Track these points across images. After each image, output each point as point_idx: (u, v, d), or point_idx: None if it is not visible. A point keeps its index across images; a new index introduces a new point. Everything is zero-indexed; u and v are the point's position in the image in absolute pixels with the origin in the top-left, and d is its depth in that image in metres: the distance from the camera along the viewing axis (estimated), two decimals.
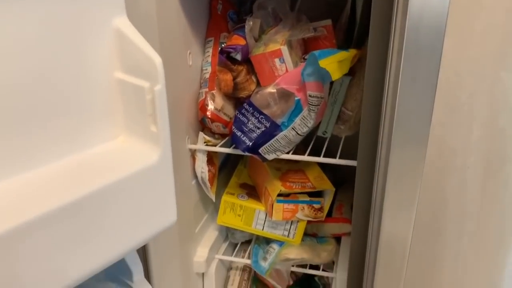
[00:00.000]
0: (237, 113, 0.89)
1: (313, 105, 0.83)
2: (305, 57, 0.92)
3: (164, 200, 0.51)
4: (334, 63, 0.78)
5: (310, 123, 0.85)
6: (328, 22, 0.93)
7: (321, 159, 0.89)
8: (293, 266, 1.06)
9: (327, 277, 1.15)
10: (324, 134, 0.96)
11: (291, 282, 1.16)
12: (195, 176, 0.99)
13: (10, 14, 0.40)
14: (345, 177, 1.13)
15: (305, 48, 0.95)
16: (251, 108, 0.87)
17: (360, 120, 0.89)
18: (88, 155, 0.48)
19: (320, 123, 0.94)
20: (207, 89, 0.92)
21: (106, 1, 0.46)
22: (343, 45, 0.93)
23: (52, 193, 0.41)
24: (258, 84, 0.91)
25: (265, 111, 0.88)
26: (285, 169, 1.03)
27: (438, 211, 0.68)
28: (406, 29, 0.60)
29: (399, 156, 0.69)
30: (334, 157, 0.90)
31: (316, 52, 0.77)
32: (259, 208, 1.02)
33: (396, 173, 0.70)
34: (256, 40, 0.90)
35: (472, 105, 0.62)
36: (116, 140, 0.51)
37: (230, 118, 0.94)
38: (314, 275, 1.16)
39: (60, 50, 0.45)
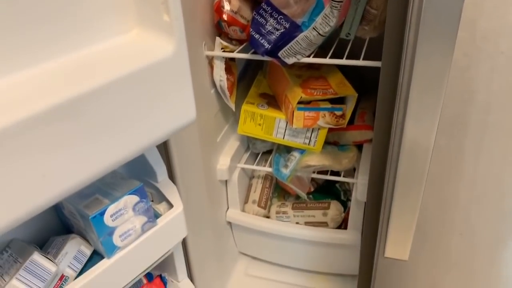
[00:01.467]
0: (255, 14, 0.84)
1: (336, 1, 0.77)
2: None
3: (181, 95, 0.50)
4: None
5: (333, 22, 0.80)
6: None
7: (344, 61, 0.85)
8: (314, 172, 1.08)
9: (348, 183, 1.16)
10: (347, 36, 0.91)
11: (312, 189, 1.19)
12: (214, 85, 0.98)
13: None
14: (368, 85, 1.10)
15: None
16: (269, 8, 0.82)
17: (385, 19, 0.83)
18: (100, 49, 0.47)
19: (343, 24, 0.89)
20: None
21: None
22: None
23: (62, 86, 0.40)
24: None
25: (284, 11, 0.82)
26: (306, 76, 1.00)
27: (464, 107, 0.65)
28: None
29: (425, 58, 0.65)
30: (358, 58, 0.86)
31: None
32: (279, 117, 1.01)
33: (421, 74, 0.67)
34: None
35: None
36: (130, 34, 0.49)
37: (248, 21, 0.89)
38: (335, 182, 1.18)
39: None
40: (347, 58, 0.87)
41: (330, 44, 0.92)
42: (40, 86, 0.40)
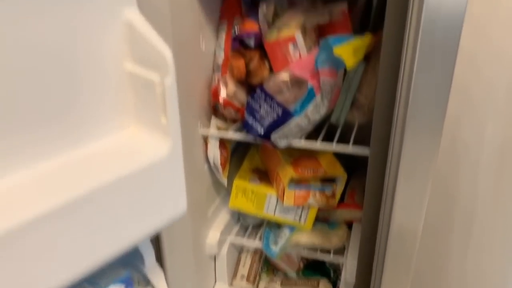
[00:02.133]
0: (249, 99, 0.88)
1: (326, 92, 0.82)
2: (319, 41, 0.91)
3: (173, 191, 0.52)
4: (348, 50, 0.76)
5: (323, 110, 0.84)
6: (344, 5, 0.91)
7: (333, 147, 0.89)
8: (303, 249, 1.07)
9: (337, 262, 1.16)
10: (337, 121, 0.95)
11: (302, 266, 1.18)
12: (207, 161, 1.00)
13: (26, 9, 0.40)
14: (358, 161, 1.13)
15: (320, 32, 0.93)
16: (263, 94, 0.87)
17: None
18: (98, 147, 0.49)
19: (333, 109, 0.93)
20: (219, 75, 0.91)
21: None
22: (358, 30, 0.91)
23: (61, 187, 0.42)
24: (271, 70, 0.90)
25: (277, 98, 0.87)
26: (297, 154, 1.03)
27: (449, 204, 0.67)
28: (422, 17, 0.58)
29: (412, 147, 0.68)
30: (347, 143, 0.89)
31: (330, 39, 0.76)
32: (270, 193, 1.03)
33: (408, 164, 0.70)
34: (270, 25, 0.89)
35: (488, 100, 0.60)
36: (126, 131, 0.52)
37: (242, 104, 0.93)
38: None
39: (70, 41, 0.45)
40: (338, 141, 0.90)
41: (322, 126, 0.96)
42: (37, 189, 0.42)
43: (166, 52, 0.46)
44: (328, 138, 0.92)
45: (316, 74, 0.81)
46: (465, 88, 0.57)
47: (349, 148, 0.87)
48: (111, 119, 0.50)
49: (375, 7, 0.89)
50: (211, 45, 0.94)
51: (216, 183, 1.07)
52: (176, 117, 0.49)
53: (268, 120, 0.87)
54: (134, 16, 0.47)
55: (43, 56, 0.43)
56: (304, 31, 0.85)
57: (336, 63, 0.79)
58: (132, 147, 0.50)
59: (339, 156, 1.02)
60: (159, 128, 0.50)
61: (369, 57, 0.88)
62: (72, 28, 0.44)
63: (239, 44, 0.85)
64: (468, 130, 0.57)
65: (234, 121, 0.99)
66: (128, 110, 0.51)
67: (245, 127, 0.89)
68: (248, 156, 1.14)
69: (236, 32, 0.91)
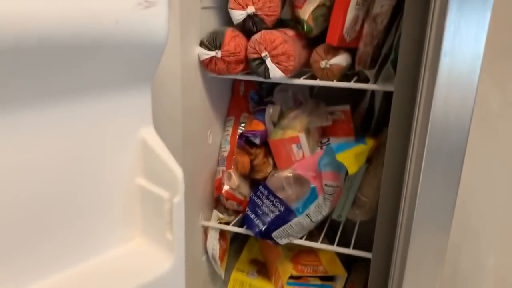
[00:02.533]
0: (252, 195, 0.89)
1: (328, 194, 0.83)
2: (322, 141, 0.94)
3: None
4: (351, 156, 0.79)
5: (325, 211, 0.85)
6: (347, 107, 0.95)
7: (334, 248, 0.88)
8: None
9: None
10: (338, 218, 0.96)
11: None
12: (206, 252, 0.99)
13: (49, 129, 0.42)
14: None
15: (323, 132, 0.96)
16: (266, 191, 0.88)
17: (376, 206, 0.88)
18: (102, 260, 0.49)
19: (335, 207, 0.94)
20: (224, 168, 0.93)
21: (135, 113, 0.49)
22: (360, 131, 0.94)
23: None
24: (275, 166, 0.92)
25: (279, 194, 0.88)
26: (297, 249, 1.02)
27: None
28: (428, 134, 0.59)
29: (416, 259, 0.68)
30: (349, 241, 0.89)
31: (334, 146, 0.79)
32: None
33: (412, 274, 0.69)
34: (275, 124, 0.92)
35: (488, 229, 0.61)
36: (132, 243, 0.52)
37: (245, 197, 0.94)
38: None
39: (87, 157, 0.47)
40: (339, 237, 0.90)
41: (323, 222, 0.96)
42: None
43: (177, 171, 0.48)
44: (330, 232, 0.91)
45: (318, 175, 0.83)
46: (466, 216, 0.58)
47: (350, 251, 0.86)
48: (118, 231, 0.51)
49: (378, 111, 0.93)
50: (218, 138, 0.97)
51: (213, 273, 1.05)
52: (182, 234, 0.50)
53: (269, 218, 0.87)
54: (149, 135, 0.50)
55: (58, 171, 0.45)
56: (307, 132, 0.89)
57: (338, 167, 0.81)
58: (136, 261, 0.50)
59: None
60: (164, 243, 0.50)
61: (371, 159, 0.91)
62: (90, 144, 0.47)
63: (244, 142, 0.88)
64: (468, 260, 0.57)
65: (236, 212, 0.99)
66: (135, 223, 0.52)
67: (246, 222, 0.90)
68: (247, 246, 1.13)
69: (243, 129, 0.94)
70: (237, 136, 0.94)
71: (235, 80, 1.00)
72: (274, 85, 0.98)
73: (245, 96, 1.00)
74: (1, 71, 0.35)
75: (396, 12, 0.78)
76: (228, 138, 0.96)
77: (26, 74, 0.37)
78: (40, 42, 0.34)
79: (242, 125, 0.96)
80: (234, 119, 0.98)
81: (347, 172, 0.89)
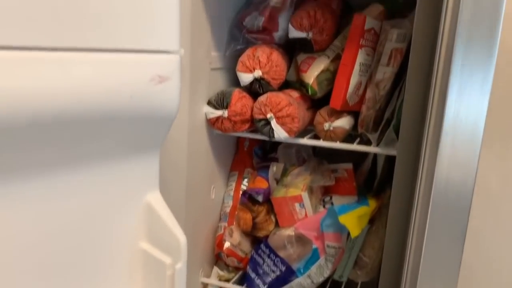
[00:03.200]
0: (253, 253, 0.88)
1: (330, 255, 0.82)
2: (325, 200, 0.94)
3: None
4: (353, 218, 0.79)
5: (327, 273, 0.84)
6: (349, 165, 0.96)
7: None
8: None
9: None
10: (340, 278, 0.94)
11: None
12: None
13: (55, 197, 0.43)
14: None
15: (325, 189, 0.97)
16: (267, 250, 0.87)
17: (378, 266, 0.87)
18: None
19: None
20: (226, 224, 0.93)
21: (142, 178, 0.50)
22: (362, 190, 0.95)
23: None
24: (277, 224, 0.92)
25: (281, 253, 0.87)
26: None
27: None
28: (431, 198, 0.60)
29: None
30: None
31: (336, 207, 0.79)
32: None
33: None
34: (278, 180, 0.93)
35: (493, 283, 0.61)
36: None
37: (246, 254, 0.94)
38: None
39: (92, 221, 0.47)
40: None
41: (324, 283, 0.94)
42: None
43: (181, 238, 0.48)
44: None
45: (321, 235, 0.83)
46: (470, 267, 0.57)
47: None
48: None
49: (380, 172, 0.94)
50: (221, 193, 0.98)
51: None
52: None
53: (270, 278, 0.86)
54: (155, 200, 0.50)
55: (65, 233, 0.45)
56: (310, 191, 0.89)
57: (341, 228, 0.81)
58: None
59: None
60: None
61: (373, 219, 0.90)
62: (97, 209, 0.47)
63: (247, 199, 0.88)
64: None
65: (236, 268, 0.98)
66: (137, 286, 0.52)
67: (246, 281, 0.88)
68: None
69: (247, 184, 0.95)
70: (240, 192, 0.95)
71: (239, 137, 1.02)
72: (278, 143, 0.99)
73: (249, 151, 1.02)
74: (10, 143, 0.37)
75: (399, 78, 0.81)
76: (231, 193, 0.97)
77: (34, 146, 0.38)
78: (55, 119, 0.35)
79: (246, 180, 0.97)
80: (238, 174, 0.99)
81: (349, 233, 0.89)
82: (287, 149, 0.99)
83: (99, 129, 0.41)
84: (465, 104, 0.51)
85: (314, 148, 1.03)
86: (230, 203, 0.96)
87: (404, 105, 0.68)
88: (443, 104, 0.50)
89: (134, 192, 0.49)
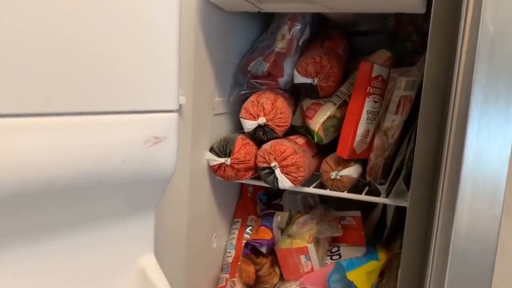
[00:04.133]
0: None
1: None
2: (332, 250, 0.90)
3: None
4: (362, 274, 0.74)
5: None
6: (358, 213, 0.92)
7: None
8: None
9: None
10: None
11: None
12: None
13: (43, 263, 0.40)
14: None
15: (332, 238, 0.93)
16: None
17: None
18: None
19: None
20: (228, 276, 0.88)
21: (136, 241, 0.46)
22: (371, 239, 0.90)
23: None
24: (281, 276, 0.87)
25: None
26: None
27: None
28: (450, 254, 0.55)
29: None
30: None
31: (344, 263, 0.75)
32: None
33: None
34: (283, 230, 0.89)
35: None
36: None
37: None
38: None
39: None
40: None
41: None
42: None
43: None
44: None
45: None
46: None
47: None
48: None
49: (391, 221, 0.90)
50: (223, 242, 0.94)
51: None
52: None
53: None
54: (149, 264, 0.47)
55: None
56: (316, 242, 0.85)
57: (349, 285, 0.76)
58: None
59: None
60: None
61: (383, 271, 0.85)
62: (87, 276, 0.44)
63: (250, 250, 0.84)
64: None
65: None
66: None
67: None
68: None
69: (250, 232, 0.91)
70: (243, 241, 0.91)
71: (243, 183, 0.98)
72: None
73: (253, 197, 0.98)
74: None
75: (408, 125, 0.78)
76: (234, 242, 0.93)
77: (21, 213, 0.35)
78: (42, 188, 0.33)
79: (249, 228, 0.93)
80: (241, 222, 0.95)
81: None
82: (292, 196, 0.96)
83: (89, 194, 0.39)
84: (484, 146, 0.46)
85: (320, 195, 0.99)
86: (233, 252, 0.91)
87: (416, 153, 0.64)
88: (461, 147, 0.45)
89: (126, 256, 0.46)
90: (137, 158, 0.38)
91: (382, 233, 0.93)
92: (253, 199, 0.98)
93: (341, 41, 0.90)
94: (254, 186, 0.99)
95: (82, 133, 0.34)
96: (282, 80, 0.85)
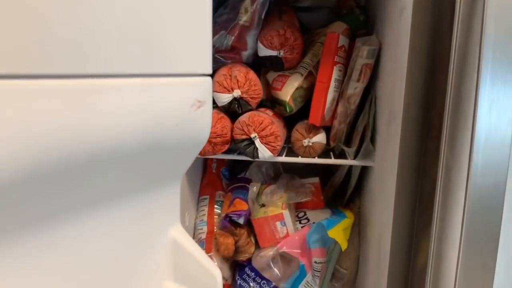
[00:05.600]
0: (238, 279, 0.85)
1: (317, 270, 0.82)
2: (299, 216, 0.95)
3: None
4: (340, 232, 0.80)
5: None
6: (316, 179, 0.98)
7: None
8: None
9: None
10: None
11: None
12: None
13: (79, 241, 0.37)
14: None
15: (295, 205, 0.97)
16: (253, 273, 0.85)
17: (354, 277, 0.89)
18: None
19: None
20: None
21: (165, 212, 0.45)
22: (329, 203, 0.97)
23: None
24: (257, 245, 0.90)
25: (266, 274, 0.85)
26: None
27: None
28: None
29: None
30: None
31: (324, 222, 0.80)
32: None
33: None
34: (253, 201, 0.91)
35: None
36: None
37: (226, 280, 0.90)
38: None
39: (114, 264, 0.42)
40: None
41: None
42: None
43: (216, 273, 0.45)
44: None
45: (307, 252, 0.83)
46: None
47: None
48: None
49: (353, 188, 0.95)
50: (193, 219, 0.93)
51: None
52: None
53: None
54: (180, 234, 0.46)
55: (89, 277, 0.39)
56: (289, 209, 0.89)
57: (326, 242, 0.81)
58: None
59: None
60: None
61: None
62: (120, 251, 0.42)
63: (228, 222, 0.85)
64: None
65: None
66: None
67: None
68: None
69: (220, 208, 0.92)
70: (214, 217, 0.91)
71: (207, 158, 0.98)
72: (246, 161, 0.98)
73: (217, 173, 0.99)
74: (48, 186, 0.31)
75: (367, 92, 0.85)
76: (205, 218, 0.93)
77: (72, 186, 0.33)
78: (111, 154, 0.31)
79: (219, 203, 0.94)
80: (209, 198, 0.95)
81: (329, 247, 0.90)
82: (257, 168, 0.98)
83: (135, 162, 0.37)
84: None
85: (281, 164, 1.03)
86: (205, 229, 0.91)
87: (404, 103, 0.64)
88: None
89: (157, 227, 0.45)
90: (187, 121, 0.37)
91: (341, 195, 1.00)
92: (217, 175, 0.99)
93: (294, 16, 0.94)
94: (217, 162, 0.99)
95: (141, 95, 0.33)
96: (245, 54, 0.86)
